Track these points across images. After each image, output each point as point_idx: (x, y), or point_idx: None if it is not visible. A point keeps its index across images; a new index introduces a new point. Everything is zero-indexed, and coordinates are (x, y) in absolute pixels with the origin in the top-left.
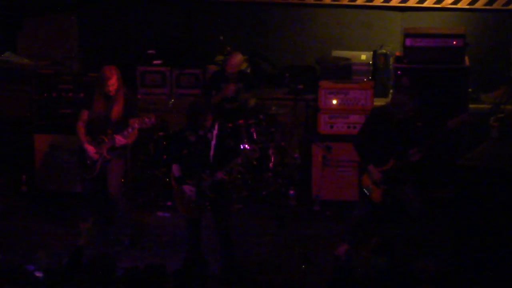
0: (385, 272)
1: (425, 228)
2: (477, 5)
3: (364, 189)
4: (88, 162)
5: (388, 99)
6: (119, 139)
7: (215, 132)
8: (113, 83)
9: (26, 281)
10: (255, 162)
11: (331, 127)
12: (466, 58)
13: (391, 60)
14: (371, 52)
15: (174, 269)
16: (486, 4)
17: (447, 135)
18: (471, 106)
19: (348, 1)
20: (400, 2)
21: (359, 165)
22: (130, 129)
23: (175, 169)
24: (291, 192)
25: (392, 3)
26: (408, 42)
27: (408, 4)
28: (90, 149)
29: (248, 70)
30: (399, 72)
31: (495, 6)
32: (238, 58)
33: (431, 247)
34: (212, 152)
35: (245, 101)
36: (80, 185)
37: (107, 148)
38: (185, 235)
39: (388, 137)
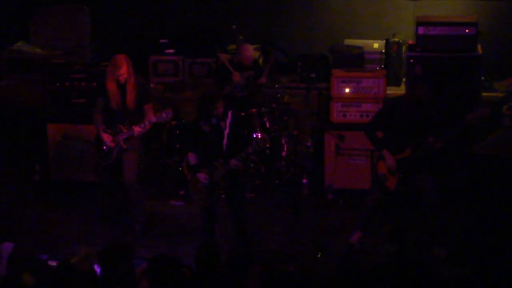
0: (395, 258)
1: (438, 216)
2: None
3: (379, 177)
4: (105, 149)
5: (401, 88)
6: (138, 130)
7: (228, 121)
8: (123, 72)
9: (40, 270)
10: (267, 151)
11: (344, 115)
12: (479, 47)
13: (404, 48)
14: (384, 41)
15: (186, 258)
16: None
17: (466, 128)
18: (483, 94)
19: None
20: None
21: (372, 153)
22: (147, 122)
23: (191, 157)
24: (304, 180)
25: None
26: (421, 30)
27: None
28: (106, 137)
29: (261, 59)
30: (411, 60)
31: None
32: (251, 49)
33: (443, 235)
34: (225, 141)
35: (258, 87)
36: (96, 172)
37: (124, 138)
38: (199, 224)
39: (403, 127)
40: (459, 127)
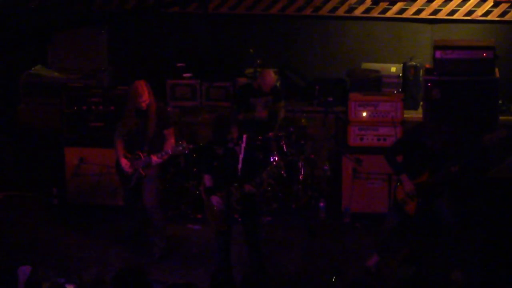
0: (412, 282)
1: (456, 240)
2: (507, 17)
3: (398, 202)
4: (125, 174)
5: (418, 111)
6: (155, 160)
7: (243, 145)
8: (145, 99)
9: None
10: (285, 175)
11: (361, 139)
12: (496, 70)
13: (421, 72)
14: (401, 65)
15: (203, 282)
16: None
17: (484, 150)
18: (501, 118)
19: (378, 14)
20: (430, 14)
21: (389, 177)
22: (164, 153)
23: (207, 179)
24: (321, 204)
25: (422, 15)
26: (438, 54)
27: (438, 16)
28: (125, 163)
29: (278, 83)
30: (429, 84)
31: None
32: (272, 75)
33: (461, 259)
34: (240, 165)
35: (275, 111)
36: (121, 196)
37: (142, 166)
38: (215, 248)
39: (424, 153)
40: (477, 149)
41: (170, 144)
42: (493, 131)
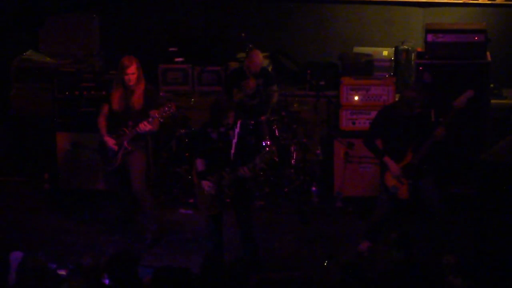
0: (403, 265)
1: (445, 224)
2: (499, 0)
3: (389, 189)
4: (110, 154)
5: None
6: (142, 127)
7: (236, 130)
8: (132, 71)
9: (49, 280)
10: (277, 159)
11: (353, 123)
12: (488, 54)
13: (413, 56)
14: (393, 48)
15: (196, 267)
16: (507, 0)
17: (456, 115)
18: (492, 101)
19: None
20: None
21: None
22: (150, 119)
23: (199, 163)
24: (313, 188)
25: None
26: (430, 37)
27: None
28: (110, 141)
29: (270, 67)
30: (421, 68)
31: None
32: (260, 56)
33: (452, 242)
34: (233, 150)
35: (269, 95)
36: (105, 180)
37: (128, 139)
38: (207, 232)
39: (400, 132)
40: (450, 116)
41: (156, 111)
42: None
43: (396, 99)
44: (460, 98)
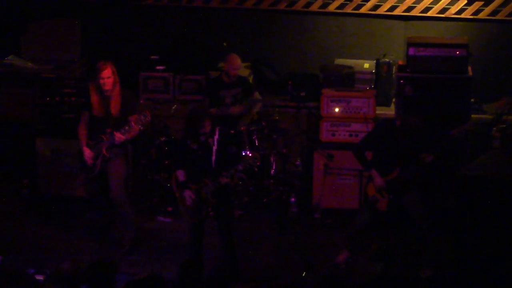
0: (381, 278)
1: (426, 236)
2: (481, 15)
3: (369, 199)
4: (88, 161)
5: (391, 108)
6: (118, 136)
7: (215, 137)
8: (107, 75)
9: (26, 284)
10: (256, 169)
11: (333, 135)
12: (469, 68)
13: (394, 69)
14: (374, 61)
15: (173, 274)
16: (489, 15)
17: (451, 144)
18: (473, 116)
19: (352, 10)
20: (403, 11)
21: (360, 173)
22: (126, 127)
23: (180, 174)
24: (292, 199)
25: (395, 12)
26: (411, 51)
27: (412, 13)
28: (87, 152)
29: (251, 77)
30: (402, 81)
31: (498, 16)
32: (239, 60)
33: (430, 255)
34: (214, 158)
35: (252, 104)
36: (84, 187)
37: (106, 147)
38: (186, 240)
39: (393, 149)
40: (445, 143)
41: (132, 118)
42: (460, 125)
43: (378, 112)
44: (458, 128)
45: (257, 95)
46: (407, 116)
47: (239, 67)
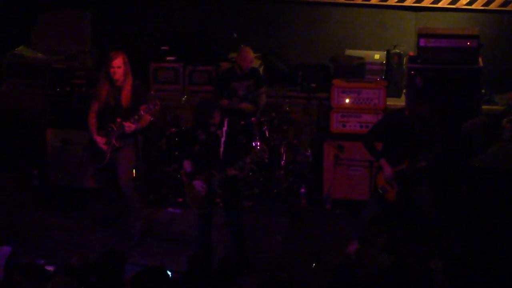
0: (391, 269)
1: (436, 228)
2: (492, 6)
3: (378, 189)
4: (99, 151)
5: (401, 99)
6: (128, 125)
7: (224, 128)
8: (118, 64)
9: (36, 275)
10: (266, 160)
11: (344, 126)
12: (480, 59)
13: (405, 60)
14: (385, 52)
15: (182, 265)
16: (501, 5)
17: (461, 137)
18: (484, 107)
19: (362, 1)
20: (414, 2)
21: (371, 164)
22: (136, 116)
23: (187, 164)
24: (302, 190)
25: (406, 3)
26: (422, 42)
27: (423, 4)
28: (99, 140)
29: (262, 68)
30: (412, 72)
31: (510, 7)
32: (251, 53)
33: (441, 247)
34: (222, 149)
35: (257, 98)
36: (94, 177)
37: (116, 136)
38: (196, 232)
39: (402, 140)
40: (456, 135)
41: (142, 108)
42: (472, 118)
43: (389, 103)
44: (470, 121)
45: (262, 89)
46: (416, 105)
47: (252, 61)
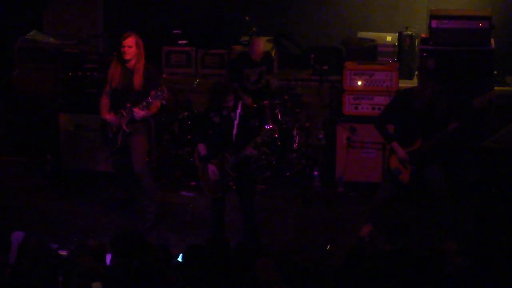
0: (402, 252)
1: (449, 210)
2: None
3: (392, 171)
4: (110, 135)
5: (413, 81)
6: (137, 111)
7: (238, 111)
8: (129, 44)
9: (50, 259)
10: (279, 143)
11: (356, 108)
12: (492, 41)
13: (417, 41)
14: (397, 34)
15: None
16: None
17: (473, 114)
18: (496, 88)
19: None
20: None
21: (383, 146)
22: (144, 103)
23: (201, 148)
24: (315, 173)
25: None
26: (434, 24)
27: None
28: (109, 117)
29: (274, 51)
30: (424, 54)
31: None
32: (262, 44)
33: (454, 229)
34: (235, 132)
35: (267, 83)
36: (110, 161)
37: (126, 122)
38: (209, 215)
39: (414, 119)
40: (468, 112)
41: (150, 94)
42: (482, 94)
43: (401, 85)
44: (480, 97)
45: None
46: (431, 83)
47: (261, 53)
